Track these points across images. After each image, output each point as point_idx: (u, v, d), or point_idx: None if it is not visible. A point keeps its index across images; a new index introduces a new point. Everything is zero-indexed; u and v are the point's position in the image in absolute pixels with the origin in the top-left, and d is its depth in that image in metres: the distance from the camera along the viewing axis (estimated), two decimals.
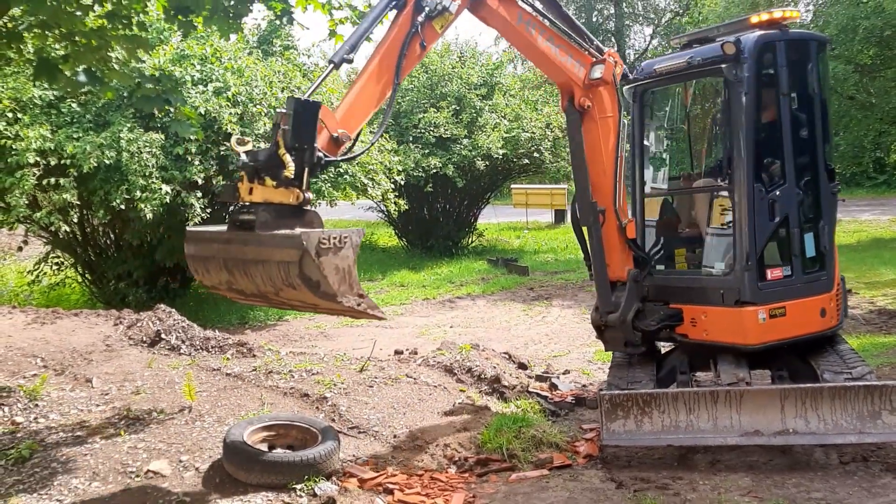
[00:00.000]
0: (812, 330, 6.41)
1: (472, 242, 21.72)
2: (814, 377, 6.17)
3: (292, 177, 4.30)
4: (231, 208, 4.73)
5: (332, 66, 4.81)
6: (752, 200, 6.13)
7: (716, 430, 5.70)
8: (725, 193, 6.50)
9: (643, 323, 6.52)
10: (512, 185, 27.43)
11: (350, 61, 4.78)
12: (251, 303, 4.93)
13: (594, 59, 6.29)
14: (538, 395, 7.72)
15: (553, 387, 8.13)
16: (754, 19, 6.52)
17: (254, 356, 8.45)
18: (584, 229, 6.62)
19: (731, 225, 6.36)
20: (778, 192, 6.22)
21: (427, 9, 5.11)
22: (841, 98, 20.15)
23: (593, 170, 6.42)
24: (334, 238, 4.13)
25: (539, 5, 6.03)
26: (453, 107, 18.87)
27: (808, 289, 6.40)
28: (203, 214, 11.10)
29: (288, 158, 4.29)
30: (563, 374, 8.93)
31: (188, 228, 4.86)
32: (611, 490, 5.43)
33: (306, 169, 4.37)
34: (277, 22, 7.47)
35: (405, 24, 5.06)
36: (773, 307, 6.20)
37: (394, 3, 5.07)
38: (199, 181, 10.99)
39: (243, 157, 4.39)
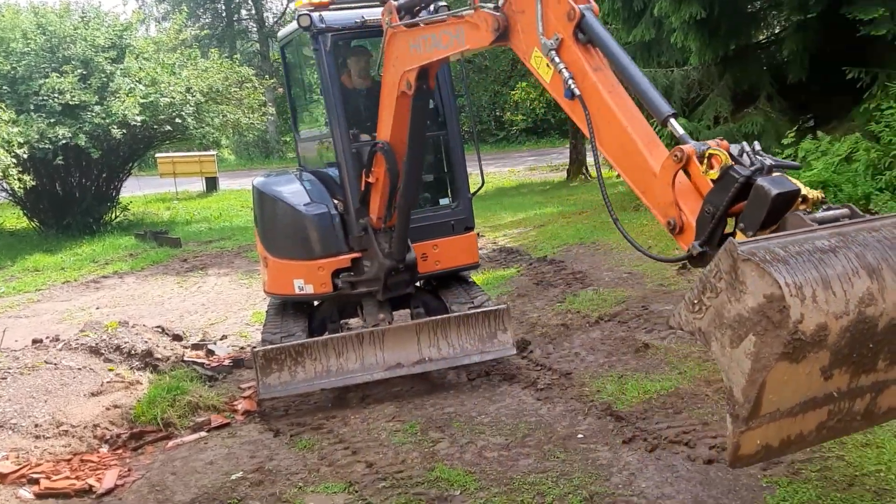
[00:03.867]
0: None
1: (115, 217, 20.24)
2: (445, 310, 6.95)
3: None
4: None
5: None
6: (460, 143, 6.94)
7: (363, 369, 6.19)
8: None
9: None
10: (157, 154, 25.97)
11: None
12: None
13: None
14: (194, 362, 7.63)
15: (210, 353, 8.10)
16: None
17: None
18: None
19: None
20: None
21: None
22: (461, 62, 22.27)
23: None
24: None
25: None
26: (79, 71, 17.20)
27: None
28: None
29: None
30: (221, 339, 8.92)
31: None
32: (269, 439, 5.67)
33: None
34: None
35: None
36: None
37: None
38: None
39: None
